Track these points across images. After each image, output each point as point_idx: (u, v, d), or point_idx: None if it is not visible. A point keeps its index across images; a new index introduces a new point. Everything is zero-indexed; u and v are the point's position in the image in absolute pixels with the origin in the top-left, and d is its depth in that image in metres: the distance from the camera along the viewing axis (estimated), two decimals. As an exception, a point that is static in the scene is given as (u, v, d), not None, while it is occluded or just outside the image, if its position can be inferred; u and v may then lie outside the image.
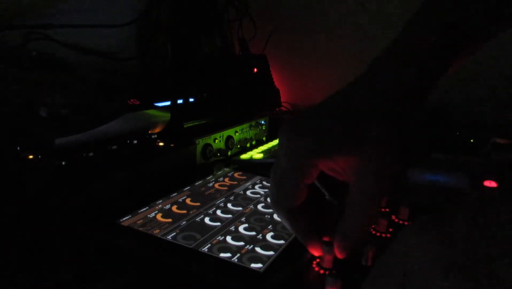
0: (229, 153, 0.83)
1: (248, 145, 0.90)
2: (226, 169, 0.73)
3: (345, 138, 0.33)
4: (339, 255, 0.37)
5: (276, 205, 0.39)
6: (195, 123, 0.81)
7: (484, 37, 0.38)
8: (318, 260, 0.44)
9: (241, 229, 0.50)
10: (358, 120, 0.33)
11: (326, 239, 0.41)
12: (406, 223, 0.55)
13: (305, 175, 0.35)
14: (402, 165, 0.34)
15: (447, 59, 0.36)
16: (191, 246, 0.45)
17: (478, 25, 0.36)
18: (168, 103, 0.79)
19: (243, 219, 0.53)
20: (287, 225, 0.40)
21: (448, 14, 0.35)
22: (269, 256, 0.45)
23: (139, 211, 0.53)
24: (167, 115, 0.73)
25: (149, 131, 0.70)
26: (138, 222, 0.50)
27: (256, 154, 0.85)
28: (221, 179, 0.68)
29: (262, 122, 0.98)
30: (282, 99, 1.20)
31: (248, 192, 0.63)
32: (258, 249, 0.46)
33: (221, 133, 0.81)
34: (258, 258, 0.44)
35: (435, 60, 0.35)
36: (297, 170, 0.35)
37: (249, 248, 0.46)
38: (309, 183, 0.37)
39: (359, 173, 0.33)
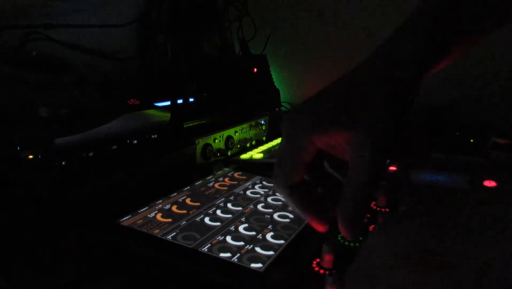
0: (229, 153, 0.83)
1: (248, 145, 0.90)
2: (226, 169, 0.73)
3: (340, 114, 0.34)
4: (345, 234, 0.37)
5: (276, 182, 0.39)
6: (195, 123, 0.81)
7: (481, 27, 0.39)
8: (318, 260, 0.44)
9: (241, 229, 0.50)
10: (353, 96, 0.35)
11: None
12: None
13: (302, 151, 0.36)
14: (398, 139, 0.35)
15: (444, 45, 0.37)
16: (191, 246, 0.45)
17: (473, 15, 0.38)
18: (168, 103, 0.79)
19: (243, 219, 0.53)
20: (288, 201, 0.40)
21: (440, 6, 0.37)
22: (269, 256, 0.45)
23: (139, 211, 0.53)
24: (167, 115, 0.73)
25: (149, 131, 0.70)
26: (138, 222, 0.50)
27: (256, 153, 0.85)
28: (221, 179, 0.68)
29: (262, 122, 0.98)
30: (282, 99, 1.20)
31: (248, 192, 0.63)
32: (258, 249, 0.46)
33: (221, 133, 0.81)
34: (258, 258, 0.44)
35: (433, 44, 0.37)
36: (294, 147, 0.36)
37: (249, 248, 0.46)
38: (308, 160, 0.37)
39: (355, 146, 0.34)
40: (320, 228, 0.41)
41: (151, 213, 0.53)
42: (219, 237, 0.48)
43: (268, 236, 0.49)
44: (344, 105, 0.35)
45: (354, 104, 0.34)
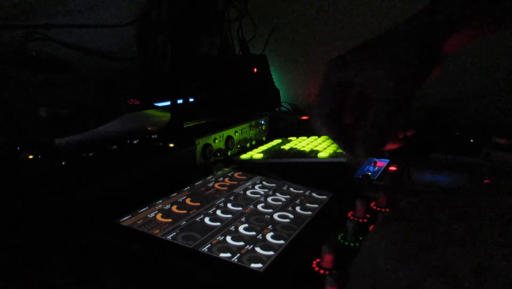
0: (229, 153, 0.83)
1: (248, 145, 0.90)
2: (226, 169, 0.73)
3: (372, 53, 0.42)
4: (361, 152, 0.42)
5: (315, 109, 0.44)
6: (195, 123, 0.81)
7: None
8: (318, 260, 0.44)
9: (241, 229, 0.50)
10: (387, 42, 0.42)
11: None
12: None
13: (338, 82, 0.43)
14: (416, 80, 0.41)
15: (451, 20, 0.43)
16: (191, 246, 0.45)
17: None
18: (168, 103, 0.79)
19: (243, 219, 0.53)
20: (323, 125, 0.44)
21: None
22: (269, 256, 0.45)
23: (139, 211, 0.53)
24: (167, 115, 0.73)
25: (149, 131, 0.70)
26: (138, 222, 0.50)
27: (256, 154, 0.85)
28: (221, 179, 0.68)
29: (262, 122, 0.98)
30: (282, 99, 1.20)
31: (248, 192, 0.63)
32: (258, 249, 0.46)
33: (221, 133, 0.81)
34: (258, 258, 0.44)
35: (448, 15, 0.42)
36: (331, 80, 0.44)
37: (249, 248, 0.46)
38: (342, 91, 0.43)
39: (382, 77, 0.40)
40: (350, 154, 0.44)
41: (151, 213, 0.53)
42: (219, 237, 0.48)
43: (268, 236, 0.49)
44: (376, 48, 0.42)
45: (385, 47, 0.42)
